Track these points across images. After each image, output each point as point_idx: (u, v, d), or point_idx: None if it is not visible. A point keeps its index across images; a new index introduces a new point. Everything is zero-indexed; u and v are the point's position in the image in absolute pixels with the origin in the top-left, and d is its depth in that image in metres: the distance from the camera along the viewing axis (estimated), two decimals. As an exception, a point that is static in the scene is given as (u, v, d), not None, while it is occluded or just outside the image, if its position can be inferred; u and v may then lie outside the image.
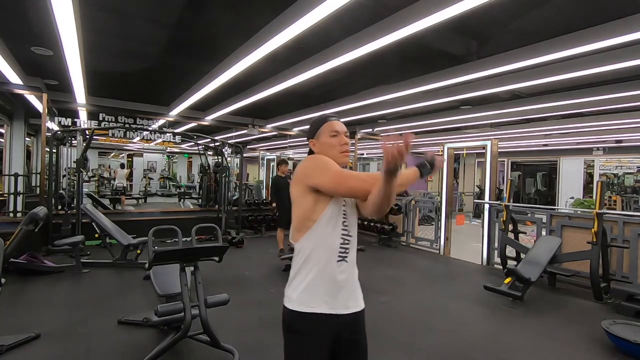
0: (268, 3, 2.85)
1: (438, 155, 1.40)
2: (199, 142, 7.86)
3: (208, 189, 8.62)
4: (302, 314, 1.22)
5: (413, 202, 6.82)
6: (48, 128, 5.60)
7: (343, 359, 1.28)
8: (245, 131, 8.22)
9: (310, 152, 1.41)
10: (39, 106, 5.47)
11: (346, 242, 1.27)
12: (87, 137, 5.82)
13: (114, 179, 12.46)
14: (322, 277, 1.23)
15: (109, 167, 14.04)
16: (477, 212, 10.66)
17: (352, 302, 1.28)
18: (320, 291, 1.23)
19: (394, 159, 0.97)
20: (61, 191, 6.07)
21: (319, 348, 1.22)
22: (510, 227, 4.94)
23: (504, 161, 12.82)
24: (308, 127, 1.42)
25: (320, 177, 1.21)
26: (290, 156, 12.13)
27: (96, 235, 5.08)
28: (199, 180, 11.50)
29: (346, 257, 1.27)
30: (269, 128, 8.43)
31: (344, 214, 1.29)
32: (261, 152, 12.68)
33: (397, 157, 0.97)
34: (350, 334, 1.27)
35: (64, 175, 6.56)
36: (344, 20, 2.89)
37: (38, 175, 7.02)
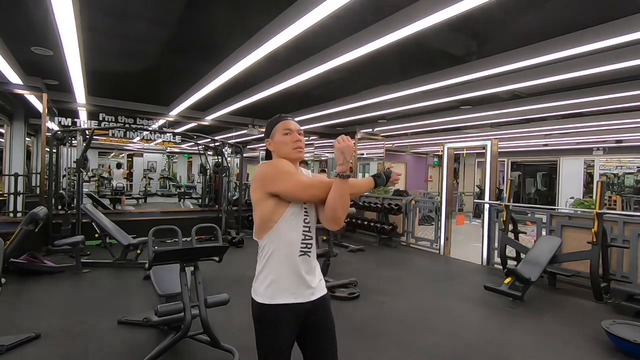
0: (268, 3, 2.85)
1: (395, 171, 1.54)
2: (199, 142, 7.86)
3: (209, 188, 8.62)
4: (269, 306, 1.31)
5: (413, 202, 6.81)
6: (48, 128, 5.60)
7: (312, 340, 1.39)
8: (245, 131, 8.21)
9: (268, 153, 1.49)
10: (39, 106, 5.47)
11: (307, 237, 1.36)
12: (87, 137, 5.82)
13: (113, 179, 12.47)
14: (287, 271, 1.32)
15: (109, 167, 14.03)
16: (477, 212, 10.66)
17: (315, 290, 1.38)
18: (285, 284, 1.32)
19: (342, 150, 1.26)
20: (61, 191, 6.07)
21: (286, 335, 1.33)
22: (510, 227, 4.94)
23: (504, 161, 12.81)
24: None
25: (280, 185, 1.30)
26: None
27: (96, 235, 5.08)
28: (199, 180, 11.49)
29: (308, 251, 1.36)
30: (269, 128, 8.40)
31: (306, 212, 1.37)
32: (261, 152, 12.67)
33: (344, 147, 1.26)
34: (315, 316, 1.37)
35: (64, 175, 6.55)
36: (344, 20, 2.88)
37: (38, 175, 7.02)
